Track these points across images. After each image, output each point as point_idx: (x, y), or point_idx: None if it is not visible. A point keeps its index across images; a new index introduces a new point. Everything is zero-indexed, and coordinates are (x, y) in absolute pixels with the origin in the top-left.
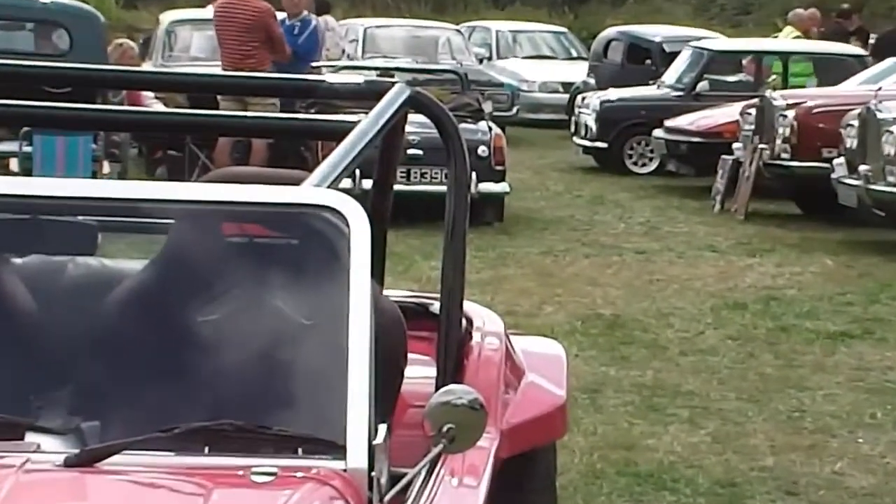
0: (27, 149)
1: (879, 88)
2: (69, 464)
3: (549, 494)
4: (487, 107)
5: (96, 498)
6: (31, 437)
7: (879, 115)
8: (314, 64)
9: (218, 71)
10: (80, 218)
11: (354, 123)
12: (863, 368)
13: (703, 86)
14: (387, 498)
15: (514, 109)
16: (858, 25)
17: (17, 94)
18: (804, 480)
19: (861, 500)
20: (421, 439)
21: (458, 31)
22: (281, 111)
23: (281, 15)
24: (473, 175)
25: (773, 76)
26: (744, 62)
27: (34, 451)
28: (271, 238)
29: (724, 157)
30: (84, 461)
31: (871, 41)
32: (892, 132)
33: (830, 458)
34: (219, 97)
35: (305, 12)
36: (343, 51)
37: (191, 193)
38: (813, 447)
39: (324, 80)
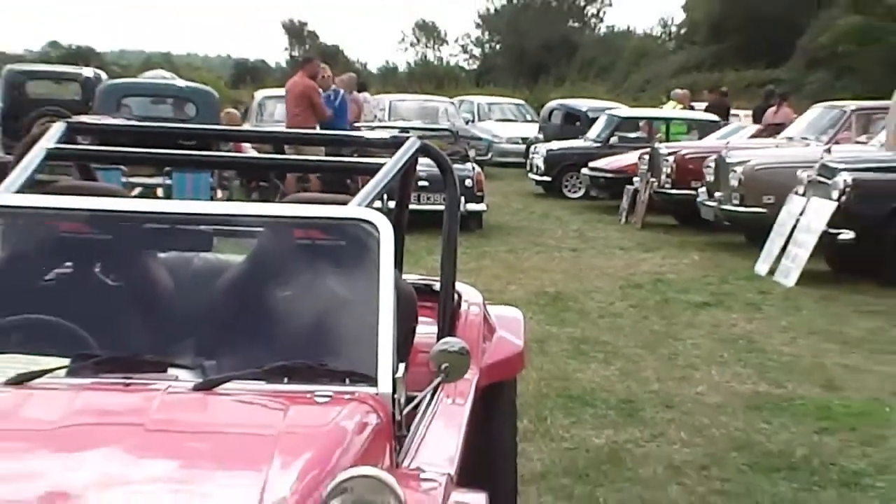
0: (168, 182)
1: (728, 143)
2: (196, 388)
3: (511, 410)
4: (471, 153)
5: (213, 411)
6: (172, 371)
7: (728, 160)
8: (356, 124)
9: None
10: (202, 227)
11: (382, 164)
12: (716, 326)
13: (614, 140)
14: (404, 412)
15: (489, 155)
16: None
17: (162, 146)
18: (678, 399)
19: (713, 410)
20: (426, 374)
21: (451, 102)
22: (329, 155)
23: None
24: (462, 198)
25: (660, 134)
26: (640, 124)
27: (174, 380)
28: (327, 240)
29: (627, 186)
30: (206, 387)
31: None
32: (735, 171)
33: (695, 384)
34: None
35: (334, 86)
36: (375, 116)
37: (274, 210)
38: (683, 377)
39: (362, 136)
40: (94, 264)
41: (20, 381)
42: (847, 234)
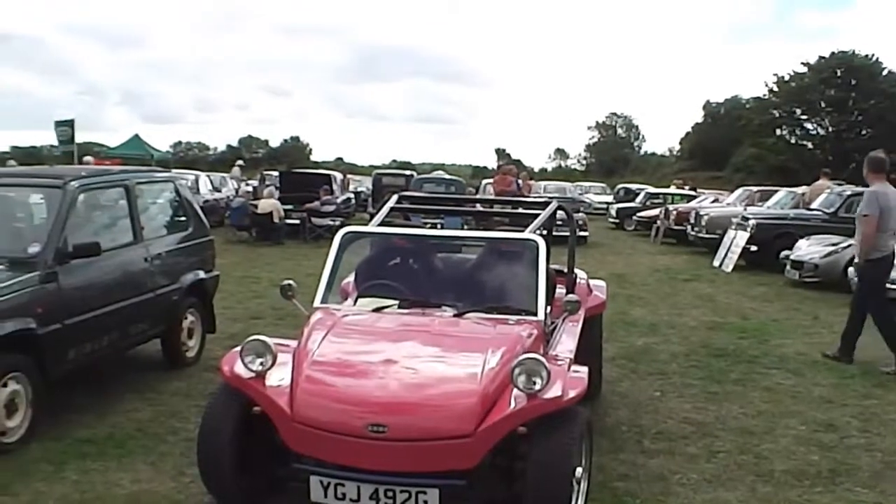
0: (442, 221)
1: (700, 205)
2: (454, 315)
3: (600, 328)
4: (582, 208)
5: (462, 325)
6: (443, 307)
7: (701, 213)
8: (529, 196)
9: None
10: (456, 241)
11: (539, 213)
12: (694, 289)
13: (648, 203)
14: (549, 329)
15: (590, 209)
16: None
17: (439, 205)
18: (676, 323)
19: (692, 329)
20: (560, 311)
21: (572, 185)
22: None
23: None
24: (577, 229)
25: (669, 199)
26: (660, 195)
27: (443, 311)
28: (515, 248)
29: (654, 224)
30: (458, 315)
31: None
32: (704, 218)
33: (684, 317)
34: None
35: (512, 179)
36: (538, 192)
37: (492, 235)
38: (679, 314)
39: (532, 200)
40: (409, 258)
41: (377, 310)
42: (754, 248)
